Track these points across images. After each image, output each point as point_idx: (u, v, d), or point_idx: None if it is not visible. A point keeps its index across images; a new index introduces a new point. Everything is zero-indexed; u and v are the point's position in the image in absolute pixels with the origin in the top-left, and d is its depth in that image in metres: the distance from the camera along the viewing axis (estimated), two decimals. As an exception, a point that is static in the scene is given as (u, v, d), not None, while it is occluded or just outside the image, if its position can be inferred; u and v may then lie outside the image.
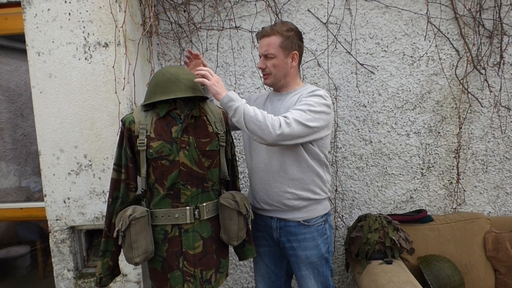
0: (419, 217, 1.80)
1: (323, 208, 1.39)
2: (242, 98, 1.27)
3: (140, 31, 1.75)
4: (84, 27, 1.58)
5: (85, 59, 1.59)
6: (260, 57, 1.34)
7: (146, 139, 1.20)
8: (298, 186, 1.32)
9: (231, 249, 1.96)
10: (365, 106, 1.91)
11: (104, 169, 1.64)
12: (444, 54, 1.86)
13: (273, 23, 1.86)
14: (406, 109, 1.90)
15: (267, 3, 1.85)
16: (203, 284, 1.26)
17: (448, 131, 1.91)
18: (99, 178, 1.65)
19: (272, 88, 1.44)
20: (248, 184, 2.00)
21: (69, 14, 1.58)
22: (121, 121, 1.24)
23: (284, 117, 1.17)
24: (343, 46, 1.88)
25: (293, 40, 1.31)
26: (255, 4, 1.88)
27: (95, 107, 1.61)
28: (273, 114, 1.27)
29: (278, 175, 1.31)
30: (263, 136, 1.15)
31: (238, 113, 1.17)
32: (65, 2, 1.57)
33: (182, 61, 1.94)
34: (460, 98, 1.88)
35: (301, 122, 1.17)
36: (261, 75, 1.40)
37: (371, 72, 1.89)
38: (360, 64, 1.88)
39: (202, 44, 1.93)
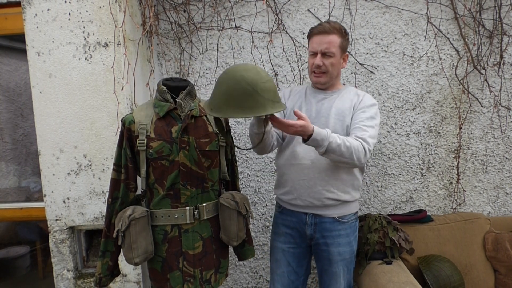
0: (419, 217, 1.80)
1: (356, 206, 1.41)
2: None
3: (140, 31, 1.75)
4: (84, 27, 1.58)
5: (85, 59, 1.59)
6: (316, 54, 1.29)
7: (146, 139, 1.19)
8: (340, 187, 1.32)
9: (231, 249, 1.96)
10: (365, 106, 1.91)
11: (103, 169, 1.64)
12: (444, 54, 1.86)
13: (273, 23, 1.87)
14: (406, 109, 1.90)
15: (267, 3, 1.85)
16: (203, 284, 1.26)
17: (448, 131, 1.91)
18: (99, 178, 1.65)
19: (316, 85, 1.39)
20: (249, 184, 2.00)
21: (69, 14, 1.58)
22: (121, 121, 1.24)
23: (362, 139, 1.22)
24: (343, 46, 1.87)
25: (348, 42, 1.33)
26: (255, 4, 1.87)
27: (95, 107, 1.61)
28: (319, 112, 1.33)
29: (325, 173, 1.31)
30: (354, 165, 1.25)
31: (329, 150, 1.17)
32: (65, 2, 1.57)
33: (182, 61, 1.94)
34: (460, 98, 1.88)
35: (374, 135, 1.27)
36: (314, 72, 1.34)
37: (371, 72, 1.89)
38: (360, 64, 1.88)
39: (202, 44, 1.93)
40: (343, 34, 1.29)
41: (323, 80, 1.33)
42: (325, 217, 1.35)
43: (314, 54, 1.31)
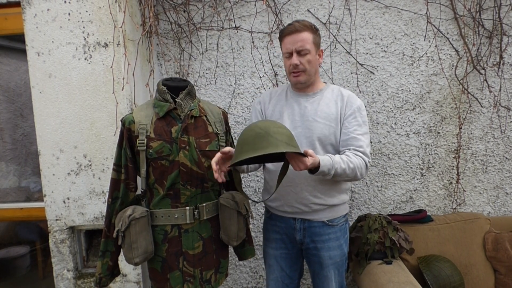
0: (419, 217, 1.80)
1: (345, 208, 1.40)
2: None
3: (140, 31, 1.75)
4: (83, 27, 1.58)
5: (85, 59, 1.59)
6: (291, 54, 1.28)
7: (146, 139, 1.20)
8: (327, 192, 1.31)
9: (230, 249, 1.96)
10: (365, 106, 1.91)
11: (103, 169, 1.64)
12: (444, 54, 1.86)
13: (273, 23, 1.87)
14: (406, 109, 1.90)
15: (267, 3, 1.85)
16: (203, 284, 1.27)
17: (448, 131, 1.91)
18: (99, 178, 1.65)
19: (296, 86, 1.35)
20: (249, 184, 2.00)
21: (69, 14, 1.58)
22: (121, 121, 1.24)
23: (362, 153, 1.25)
24: (343, 46, 1.88)
25: (320, 37, 1.33)
26: (255, 4, 1.88)
27: (94, 107, 1.61)
28: (303, 115, 1.31)
29: (311, 179, 1.29)
30: (356, 180, 1.30)
31: (335, 175, 1.20)
32: (65, 2, 1.57)
33: (182, 61, 1.94)
34: (460, 98, 1.88)
35: (369, 143, 1.30)
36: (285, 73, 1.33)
37: (371, 72, 1.89)
38: (360, 64, 1.88)
39: (202, 44, 1.93)
40: (314, 30, 1.28)
41: (303, 79, 1.30)
42: (314, 221, 1.34)
43: (289, 55, 1.29)
